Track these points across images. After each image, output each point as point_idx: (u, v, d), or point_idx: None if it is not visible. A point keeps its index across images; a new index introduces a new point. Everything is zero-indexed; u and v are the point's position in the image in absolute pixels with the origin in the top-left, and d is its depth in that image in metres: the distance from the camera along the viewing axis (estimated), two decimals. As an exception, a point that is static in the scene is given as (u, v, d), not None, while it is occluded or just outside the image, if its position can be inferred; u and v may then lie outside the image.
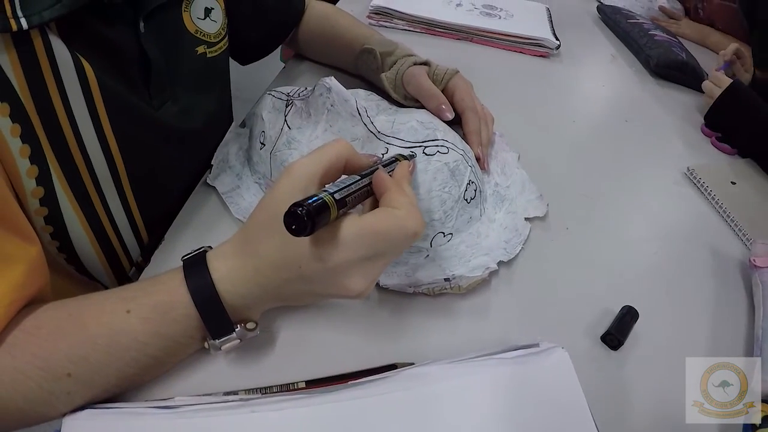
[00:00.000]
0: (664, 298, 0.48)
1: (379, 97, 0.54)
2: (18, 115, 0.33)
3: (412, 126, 0.46)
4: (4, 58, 0.31)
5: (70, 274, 0.44)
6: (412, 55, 0.59)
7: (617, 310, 0.44)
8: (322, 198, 0.28)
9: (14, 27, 0.30)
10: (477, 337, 0.39)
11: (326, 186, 0.31)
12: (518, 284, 0.45)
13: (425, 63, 0.57)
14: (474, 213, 0.47)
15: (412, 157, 0.37)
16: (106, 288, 0.47)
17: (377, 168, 0.34)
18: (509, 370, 0.34)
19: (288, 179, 0.31)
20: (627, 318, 0.43)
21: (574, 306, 0.44)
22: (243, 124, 0.58)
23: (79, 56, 0.35)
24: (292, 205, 0.27)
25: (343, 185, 0.30)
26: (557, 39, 0.83)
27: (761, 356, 0.44)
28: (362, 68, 0.64)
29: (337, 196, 0.29)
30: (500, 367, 0.34)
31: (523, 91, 0.75)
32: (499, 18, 0.88)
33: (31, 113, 0.34)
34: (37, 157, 0.35)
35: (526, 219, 0.50)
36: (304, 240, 0.30)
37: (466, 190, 0.45)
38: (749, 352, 0.45)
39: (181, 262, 0.34)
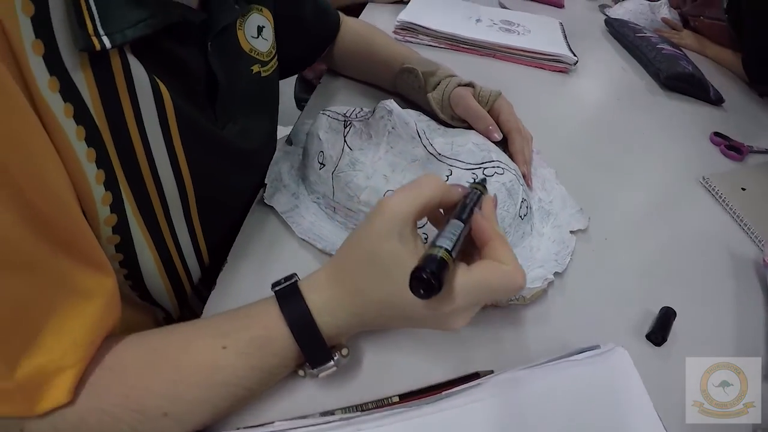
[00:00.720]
0: (695, 296, 0.54)
1: (428, 117, 0.58)
2: (93, 139, 0.31)
3: (470, 148, 0.50)
4: (80, 79, 0.29)
5: (133, 300, 0.43)
6: (454, 76, 0.62)
7: (656, 310, 0.50)
8: (441, 257, 0.29)
9: (97, 46, 0.28)
10: (543, 342, 0.45)
11: (437, 240, 0.31)
12: (570, 292, 0.50)
13: (469, 84, 0.61)
14: (526, 228, 0.52)
15: (483, 182, 0.41)
16: (167, 312, 0.47)
17: (472, 210, 0.34)
18: (581, 371, 0.39)
19: (382, 218, 0.32)
20: (667, 317, 0.49)
21: (619, 308, 0.50)
22: (289, 142, 0.61)
23: (155, 77, 0.34)
24: (416, 269, 0.28)
25: (454, 237, 0.31)
26: (575, 55, 0.89)
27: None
28: (402, 87, 0.67)
29: (453, 253, 0.30)
30: (573, 369, 0.39)
31: (546, 106, 0.80)
32: (518, 34, 0.93)
33: (105, 137, 0.32)
34: (111, 184, 0.33)
35: (571, 232, 0.55)
36: None
37: (520, 207, 0.50)
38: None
39: (273, 293, 0.35)
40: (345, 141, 0.51)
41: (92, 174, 0.32)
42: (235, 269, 0.45)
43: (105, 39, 0.29)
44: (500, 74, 0.85)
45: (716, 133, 0.82)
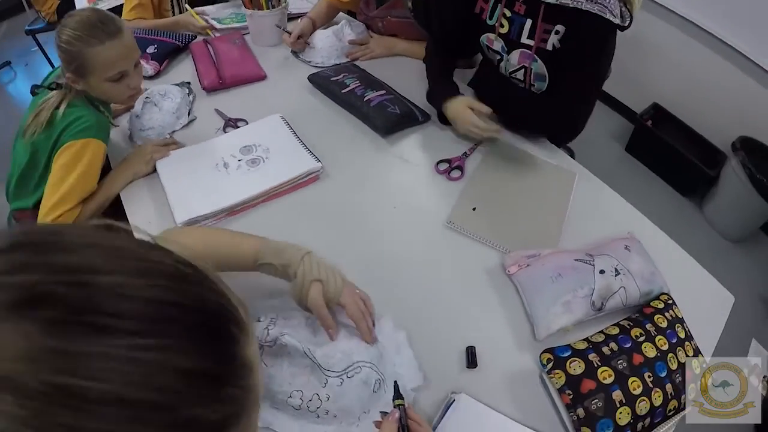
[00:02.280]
0: (485, 326, 0.84)
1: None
2: None
3: (339, 358, 0.69)
4: None
5: None
6: (305, 253, 0.72)
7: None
8: None
9: None
10: None
11: None
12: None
13: (319, 279, 0.71)
14: (380, 393, 0.72)
15: (397, 392, 0.65)
16: None
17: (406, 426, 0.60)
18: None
19: None
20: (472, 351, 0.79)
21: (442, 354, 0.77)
22: None
23: None
24: None
25: None
26: (318, 160, 1.05)
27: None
28: (266, 272, 0.76)
29: None
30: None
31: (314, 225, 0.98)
32: (263, 161, 1.05)
33: None
34: None
35: (411, 389, 0.73)
36: None
37: (374, 385, 0.71)
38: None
39: None
40: (262, 359, 0.68)
41: None
42: None
43: None
44: (273, 217, 0.99)
45: (438, 163, 1.10)
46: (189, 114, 1.21)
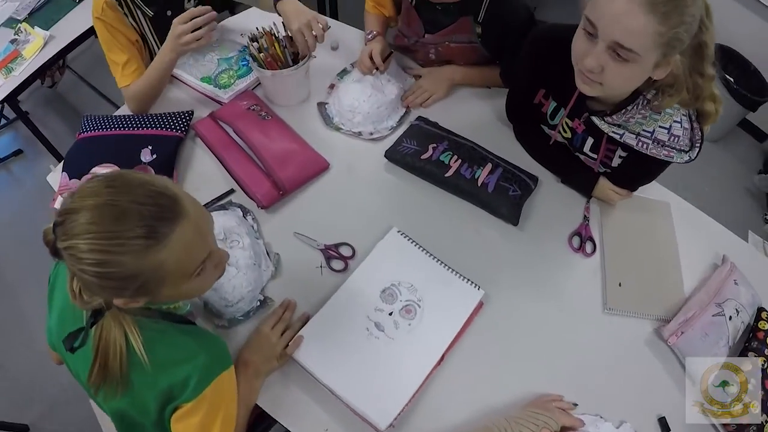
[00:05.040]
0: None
1: None
2: None
3: None
4: None
5: None
6: None
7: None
8: None
9: None
10: None
11: None
12: None
13: None
14: None
15: None
16: None
17: None
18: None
19: None
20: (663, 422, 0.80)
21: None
22: None
23: None
24: None
25: None
26: (477, 286, 0.89)
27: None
28: None
29: None
30: None
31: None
32: (418, 306, 0.86)
33: None
34: None
35: None
36: None
37: None
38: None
39: None
40: None
41: None
42: None
43: None
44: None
45: (570, 238, 0.98)
46: (270, 258, 0.92)
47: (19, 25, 1.68)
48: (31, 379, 1.72)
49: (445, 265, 0.92)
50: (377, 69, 1.13)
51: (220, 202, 1.00)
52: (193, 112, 1.13)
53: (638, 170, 0.98)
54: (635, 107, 0.86)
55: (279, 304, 0.87)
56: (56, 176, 1.08)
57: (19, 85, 1.57)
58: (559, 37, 0.88)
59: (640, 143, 0.88)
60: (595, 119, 0.92)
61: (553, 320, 0.90)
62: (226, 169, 1.04)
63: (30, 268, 2.01)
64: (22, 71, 1.59)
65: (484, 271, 0.92)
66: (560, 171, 1.07)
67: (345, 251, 0.94)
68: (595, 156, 1.00)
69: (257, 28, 1.09)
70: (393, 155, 1.04)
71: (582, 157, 1.03)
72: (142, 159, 1.03)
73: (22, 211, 2.22)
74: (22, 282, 1.97)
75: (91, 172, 1.00)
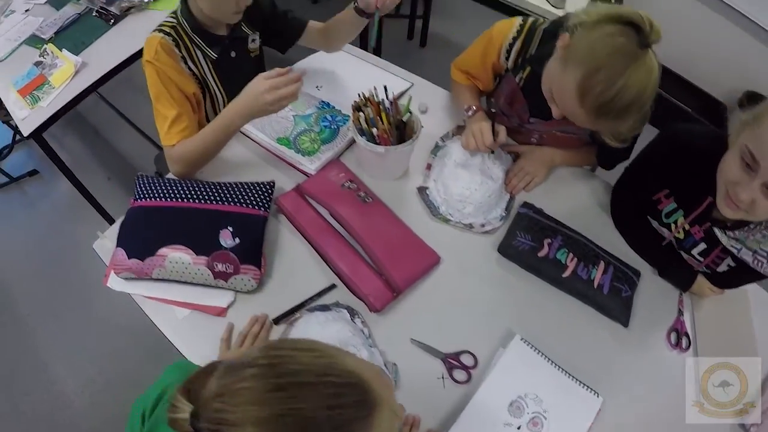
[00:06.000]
0: None
1: None
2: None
3: None
4: None
5: None
6: None
7: None
8: None
9: None
10: None
11: None
12: None
13: None
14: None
15: None
16: None
17: None
18: None
19: None
20: None
21: None
22: None
23: None
24: None
25: None
26: (596, 392, 0.86)
27: None
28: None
29: None
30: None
31: None
32: (544, 418, 0.83)
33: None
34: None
35: None
36: None
37: None
38: None
39: None
40: None
41: None
42: None
43: None
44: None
45: (668, 334, 0.96)
46: (388, 369, 0.86)
47: (45, 46, 1.51)
48: (49, 426, 1.61)
49: (564, 371, 0.89)
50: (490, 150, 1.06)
51: (320, 300, 0.93)
52: (274, 183, 1.03)
53: (743, 279, 0.99)
54: (758, 226, 0.87)
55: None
56: (105, 245, 0.98)
57: (47, 119, 1.39)
58: (696, 143, 0.89)
59: (757, 261, 0.89)
60: (717, 231, 0.92)
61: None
62: (321, 257, 0.97)
63: (46, 301, 1.88)
64: (50, 102, 1.41)
65: (596, 374, 0.89)
66: (659, 264, 1.05)
67: (467, 360, 0.89)
68: (701, 259, 0.99)
69: (359, 95, 1.00)
70: (507, 250, 0.99)
71: (686, 255, 1.02)
72: (222, 244, 0.91)
73: (37, 239, 2.06)
74: (38, 317, 1.84)
75: (158, 253, 0.89)
